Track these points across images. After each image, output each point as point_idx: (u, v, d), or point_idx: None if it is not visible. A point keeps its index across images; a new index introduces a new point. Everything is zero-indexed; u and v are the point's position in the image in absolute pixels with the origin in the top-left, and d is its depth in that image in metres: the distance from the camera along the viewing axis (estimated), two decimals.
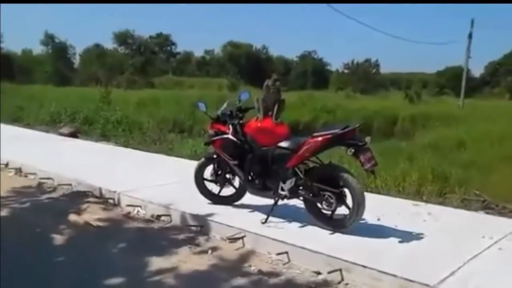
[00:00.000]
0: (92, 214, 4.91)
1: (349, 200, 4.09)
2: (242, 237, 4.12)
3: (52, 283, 3.34)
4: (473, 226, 4.51)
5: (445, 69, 56.75)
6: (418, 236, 4.01)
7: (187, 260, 3.80)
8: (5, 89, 19.03)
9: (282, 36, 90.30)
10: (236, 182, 4.90)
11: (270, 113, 4.79)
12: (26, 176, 6.50)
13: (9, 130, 11.23)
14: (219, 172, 4.95)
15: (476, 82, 51.00)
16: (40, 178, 6.22)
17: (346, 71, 58.21)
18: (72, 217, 4.82)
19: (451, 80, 49.25)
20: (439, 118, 19.82)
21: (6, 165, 6.96)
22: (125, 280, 3.47)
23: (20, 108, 14.50)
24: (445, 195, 5.90)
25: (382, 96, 36.97)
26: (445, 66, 57.13)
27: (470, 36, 32.59)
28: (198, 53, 63.88)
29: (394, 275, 3.21)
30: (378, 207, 4.67)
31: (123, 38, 56.16)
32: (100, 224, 4.68)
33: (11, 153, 7.39)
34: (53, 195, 5.66)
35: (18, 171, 6.70)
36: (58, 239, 4.27)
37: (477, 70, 61.13)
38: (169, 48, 61.72)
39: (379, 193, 5.74)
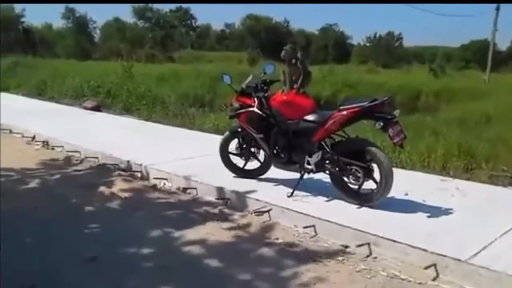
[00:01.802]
0: (120, 186, 4.99)
1: (376, 175, 4.05)
2: (268, 211, 4.13)
3: (87, 251, 3.42)
4: (503, 201, 4.43)
5: (470, 43, 55.20)
6: (447, 211, 3.95)
7: (214, 232, 3.83)
8: (28, 63, 19.30)
9: (303, 9, 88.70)
10: (261, 155, 4.89)
11: (296, 86, 4.72)
12: (53, 149, 6.62)
13: (35, 104, 11.43)
14: (244, 146, 4.94)
15: (502, 56, 49.38)
16: (67, 151, 6.33)
17: (368, 44, 57.11)
18: (102, 189, 4.90)
19: (477, 54, 47.91)
20: (464, 92, 19.39)
21: (33, 138, 7.10)
22: (155, 250, 3.53)
23: (44, 82, 14.69)
24: (471, 170, 5.79)
25: (405, 70, 36.23)
26: (470, 40, 55.56)
27: (497, 8, 31.40)
28: (218, 26, 63.41)
29: (424, 250, 3.18)
30: (405, 182, 4.61)
31: (142, 12, 55.97)
32: (128, 195, 4.75)
33: (37, 126, 7.53)
34: (81, 167, 5.75)
35: (45, 144, 6.82)
36: (90, 210, 4.36)
37: (503, 44, 59.10)
38: (188, 21, 61.34)
39: (404, 168, 5.67)
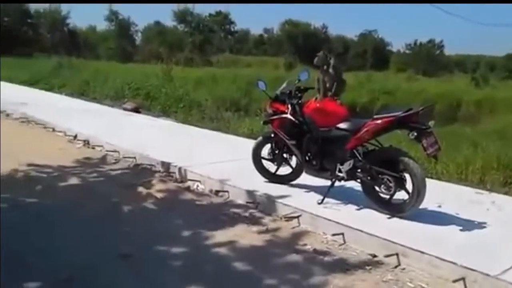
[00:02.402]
0: (156, 187, 5.15)
1: (408, 185, 4.02)
2: (298, 216, 4.17)
3: (122, 248, 3.56)
4: None
5: None
6: (480, 225, 3.88)
7: (244, 235, 3.91)
8: (73, 64, 20.05)
9: (342, 15, 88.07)
10: (293, 161, 4.94)
11: (329, 93, 4.74)
12: (93, 148, 6.88)
13: (77, 104, 11.88)
14: (277, 151, 4.99)
15: None
16: (107, 150, 6.57)
17: (408, 51, 55.99)
18: (138, 189, 5.08)
19: None
20: (507, 103, 18.73)
21: (75, 137, 7.39)
22: (186, 249, 3.64)
23: (87, 83, 15.25)
24: (510, 184, 5.63)
25: (446, 79, 35.33)
26: None
27: None
28: (256, 31, 63.76)
29: (454, 263, 3.14)
30: (439, 194, 4.55)
31: (182, 15, 56.93)
32: (163, 196, 4.90)
33: (79, 126, 7.84)
34: (118, 166, 5.97)
35: (86, 143, 7.09)
36: (127, 208, 4.54)
37: None
38: (227, 26, 61.99)
39: (439, 179, 5.58)
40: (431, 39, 55.57)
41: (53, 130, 8.03)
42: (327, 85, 5.52)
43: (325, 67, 5.19)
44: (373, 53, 54.64)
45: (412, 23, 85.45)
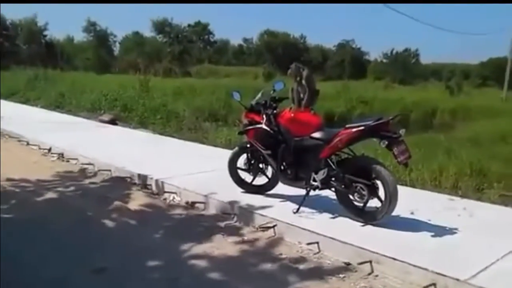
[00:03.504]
0: (132, 199, 5.12)
1: (381, 193, 4.08)
2: (273, 226, 4.19)
3: (97, 262, 3.53)
4: (510, 222, 4.41)
5: (488, 60, 54.69)
6: (451, 231, 3.96)
7: (220, 246, 3.91)
8: (49, 76, 19.78)
9: (320, 25, 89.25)
10: (269, 171, 4.96)
11: (303, 103, 4.79)
12: (68, 161, 6.79)
13: (53, 116, 11.72)
14: (252, 162, 5.01)
15: None
16: (82, 164, 6.49)
17: (384, 60, 57.02)
18: (114, 202, 5.02)
19: (495, 72, 47.37)
20: (480, 111, 19.22)
21: (49, 150, 7.29)
22: (162, 262, 3.62)
23: (62, 95, 15.05)
24: (483, 190, 5.76)
25: (422, 87, 36.08)
26: (489, 57, 55.08)
27: None
28: (235, 41, 64.09)
29: (425, 269, 3.20)
30: (412, 201, 4.63)
31: (161, 26, 56.97)
32: (139, 209, 4.86)
33: (53, 139, 7.74)
34: (94, 180, 5.90)
35: (61, 156, 7.00)
36: (101, 222, 4.48)
37: None
38: (206, 36, 62.15)
39: (414, 186, 5.68)
40: (406, 48, 56.89)
41: (28, 143, 7.91)
42: (301, 95, 5.58)
43: (298, 78, 5.26)
44: (351, 63, 55.50)
45: (389, 32, 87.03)
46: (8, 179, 5.51)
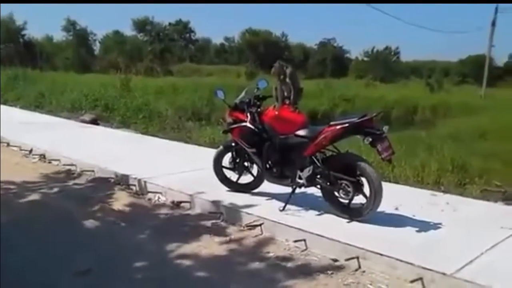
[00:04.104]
0: (115, 200, 5.06)
1: (366, 189, 4.11)
2: (260, 224, 4.19)
3: (82, 263, 3.48)
4: (492, 216, 4.48)
5: (467, 58, 55.62)
6: (435, 226, 4.01)
7: (206, 245, 3.89)
8: (28, 76, 19.41)
9: (301, 24, 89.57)
10: (255, 170, 4.96)
11: (287, 101, 4.78)
12: (50, 163, 6.68)
13: (33, 117, 11.52)
14: (238, 160, 5.00)
15: (499, 71, 49.72)
16: (64, 165, 6.39)
17: (366, 59, 57.51)
18: (98, 203, 4.97)
19: (474, 69, 48.22)
20: (460, 107, 19.57)
21: (30, 151, 7.16)
22: (148, 262, 3.60)
23: (42, 95, 14.80)
24: (464, 185, 5.86)
25: (403, 85, 36.53)
26: (468, 55, 56.04)
27: (493, 23, 31.86)
28: (217, 40, 63.91)
29: (411, 263, 3.24)
30: (396, 197, 4.68)
31: (142, 25, 56.47)
32: (123, 209, 4.81)
33: (34, 140, 7.60)
34: (77, 181, 5.81)
35: (42, 157, 6.88)
36: (85, 223, 4.42)
37: (501, 59, 59.44)
38: (187, 35, 61.82)
39: (397, 182, 5.74)
40: (387, 46, 57.44)
41: (8, 145, 7.77)
42: (285, 93, 5.56)
43: (281, 76, 5.26)
44: (332, 61, 55.83)
45: (369, 30, 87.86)
46: None
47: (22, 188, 5.34)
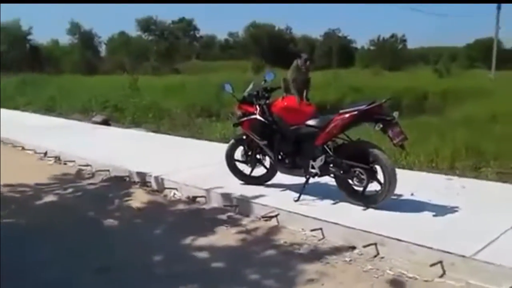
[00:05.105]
0: (132, 198, 5.12)
1: (380, 176, 4.11)
2: (276, 215, 4.21)
3: (101, 261, 3.54)
4: (509, 198, 4.47)
5: (475, 42, 55.02)
6: (452, 209, 4.01)
7: (224, 237, 3.93)
8: (36, 80, 19.58)
9: (305, 15, 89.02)
10: (267, 162, 4.98)
11: (304, 94, 4.77)
12: (65, 164, 6.75)
13: (45, 120, 11.63)
14: (250, 153, 5.02)
15: (508, 54, 49.06)
16: (79, 165, 6.46)
17: (372, 47, 57.12)
18: (115, 201, 5.03)
19: (482, 53, 47.68)
20: (471, 92, 19.36)
21: (45, 153, 7.24)
22: (167, 257, 3.64)
23: (52, 98, 14.93)
24: (480, 169, 5.83)
25: (411, 72, 36.17)
26: (474, 39, 55.41)
27: (499, 6, 31.45)
28: (221, 36, 63.85)
29: (430, 247, 3.24)
30: (411, 183, 4.68)
31: (146, 24, 56.54)
32: (140, 206, 4.86)
33: (48, 142, 7.68)
34: (93, 180, 5.87)
35: (57, 159, 6.96)
36: (103, 221, 4.48)
37: (510, 42, 58.60)
38: (192, 32, 61.85)
39: (411, 169, 5.73)
40: (393, 34, 56.98)
41: (23, 148, 7.85)
42: (297, 84, 5.52)
43: (303, 69, 5.25)
44: (338, 51, 55.46)
45: (374, 19, 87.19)
46: (6, 185, 5.46)
47: (38, 190, 5.40)
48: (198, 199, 4.92)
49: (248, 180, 5.08)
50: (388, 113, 4.07)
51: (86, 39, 52.13)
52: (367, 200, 4.19)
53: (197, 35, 62.36)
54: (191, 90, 17.59)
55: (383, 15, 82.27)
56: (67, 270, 3.42)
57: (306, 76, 5.18)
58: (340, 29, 61.29)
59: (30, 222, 4.45)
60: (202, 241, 3.87)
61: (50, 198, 5.18)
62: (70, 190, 5.47)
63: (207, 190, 4.92)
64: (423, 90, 22.46)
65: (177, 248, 3.79)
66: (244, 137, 5.00)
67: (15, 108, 14.55)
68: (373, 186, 4.18)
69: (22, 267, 3.46)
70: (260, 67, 35.67)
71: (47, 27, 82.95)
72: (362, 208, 4.15)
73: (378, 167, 4.12)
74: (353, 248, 3.58)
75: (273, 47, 53.39)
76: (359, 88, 22.59)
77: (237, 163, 5.13)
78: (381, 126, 4.03)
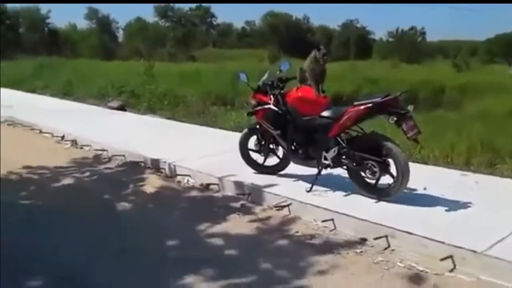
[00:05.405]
0: (146, 183, 5.20)
1: (393, 169, 4.11)
2: (288, 205, 4.25)
3: (118, 244, 3.63)
4: None
5: (495, 36, 53.98)
6: (465, 205, 3.99)
7: (236, 225, 3.99)
8: (54, 63, 19.77)
9: (323, 5, 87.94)
10: (280, 152, 4.99)
11: (320, 85, 4.76)
12: (81, 148, 6.86)
13: (62, 104, 11.79)
14: (263, 142, 5.04)
15: None
16: (95, 150, 6.57)
17: (390, 39, 56.44)
18: (129, 185, 5.12)
19: (503, 48, 46.85)
20: (489, 87, 19.07)
21: (62, 137, 7.36)
22: (181, 242, 3.72)
23: (69, 82, 15.06)
24: (495, 165, 5.77)
25: (429, 65, 35.71)
26: (495, 33, 54.37)
27: None
28: (238, 24, 63.64)
29: (441, 242, 3.25)
30: (425, 177, 4.66)
31: (163, 11, 56.68)
32: (154, 191, 4.95)
33: (65, 126, 7.81)
34: (109, 165, 5.97)
35: (74, 143, 7.07)
36: (119, 205, 4.58)
37: None
38: (209, 20, 61.79)
39: (426, 163, 5.70)
40: (412, 26, 56.26)
41: (40, 131, 7.98)
42: (319, 77, 5.45)
43: (321, 61, 5.17)
44: (356, 43, 54.94)
45: (392, 11, 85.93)
46: (25, 167, 5.60)
47: (56, 173, 5.52)
48: (211, 186, 4.98)
49: (261, 169, 5.11)
50: (402, 106, 4.05)
51: (104, 24, 52.49)
52: (379, 193, 4.19)
53: (214, 23, 62.30)
54: (206, 78, 17.60)
55: (402, 7, 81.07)
56: (85, 251, 3.51)
57: (323, 68, 5.12)
58: (358, 19, 60.67)
59: (48, 203, 4.56)
60: (215, 228, 3.93)
61: (68, 180, 5.30)
62: (87, 173, 5.57)
63: (220, 178, 4.96)
64: (441, 84, 22.22)
65: (190, 233, 3.85)
66: (258, 126, 5.02)
67: (32, 91, 14.76)
68: (386, 179, 4.18)
69: (40, 248, 3.56)
70: (276, 57, 35.55)
71: (65, 11, 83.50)
72: (374, 200, 4.16)
73: (391, 160, 4.12)
74: (364, 240, 3.60)
75: (290, 37, 53.12)
76: (376, 80, 22.43)
77: (251, 152, 5.15)
78: (395, 119, 4.02)
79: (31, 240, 3.70)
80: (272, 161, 5.09)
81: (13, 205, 4.42)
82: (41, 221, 4.12)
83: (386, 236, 3.50)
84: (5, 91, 14.16)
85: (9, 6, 44.81)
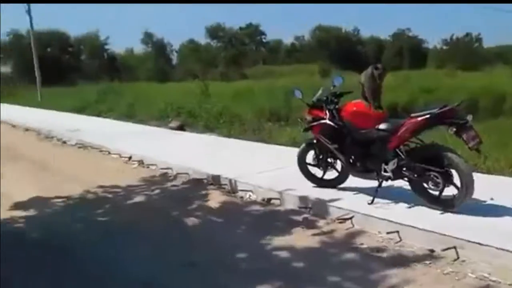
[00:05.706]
0: (211, 199, 5.43)
1: (456, 180, 4.07)
2: (351, 218, 4.30)
3: (188, 257, 3.84)
4: None
5: None
6: None
7: (301, 238, 4.09)
8: (115, 88, 20.89)
9: (372, 16, 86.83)
10: (338, 165, 5.06)
11: (378, 101, 4.82)
12: (148, 167, 7.23)
13: (126, 127, 12.43)
14: (321, 157, 5.13)
15: None
16: (161, 168, 6.91)
17: (445, 47, 54.69)
18: (195, 202, 5.38)
19: None
20: None
21: (129, 158, 7.80)
22: (248, 255, 3.87)
23: (131, 105, 15.84)
24: None
25: (487, 72, 34.20)
26: None
27: None
28: (288, 40, 64.04)
29: None
30: (491, 187, 4.56)
31: (215, 32, 58.29)
32: (218, 206, 5.16)
33: (131, 147, 8.27)
34: (175, 182, 6.28)
35: (141, 163, 7.47)
36: (187, 220, 4.83)
37: None
38: (258, 38, 62.72)
39: (491, 173, 5.55)
40: (468, 33, 54.16)
41: (109, 153, 8.48)
42: (377, 94, 5.46)
43: (378, 79, 5.20)
44: (409, 52, 53.63)
45: (445, 18, 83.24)
46: (100, 186, 6.03)
47: (128, 191, 5.90)
48: (272, 200, 5.11)
49: (320, 183, 5.19)
50: (461, 116, 4.03)
51: (159, 47, 54.64)
52: (444, 204, 4.15)
53: (264, 40, 63.14)
54: (259, 95, 17.87)
55: (455, 13, 78.38)
56: (157, 265, 3.74)
57: (380, 85, 5.15)
58: (410, 28, 59.33)
59: (123, 220, 4.89)
60: (280, 241, 4.06)
61: (139, 198, 5.65)
62: (156, 191, 5.91)
63: (281, 192, 5.09)
64: (501, 91, 21.21)
65: (256, 246, 4.00)
66: (315, 141, 5.12)
67: (97, 115, 15.66)
68: (450, 190, 4.14)
69: (115, 262, 3.84)
70: (326, 71, 35.41)
71: (122, 37, 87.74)
72: (439, 212, 4.13)
73: (453, 171, 4.09)
74: (432, 251, 3.58)
75: (340, 50, 52.78)
76: (431, 89, 21.78)
77: (309, 167, 5.25)
78: (454, 129, 4.01)
79: (111, 253, 4.00)
80: (331, 174, 5.16)
81: (92, 222, 4.78)
82: (118, 236, 4.42)
83: (455, 247, 3.47)
84: (71, 116, 15.16)
85: (72, 34, 47.86)
